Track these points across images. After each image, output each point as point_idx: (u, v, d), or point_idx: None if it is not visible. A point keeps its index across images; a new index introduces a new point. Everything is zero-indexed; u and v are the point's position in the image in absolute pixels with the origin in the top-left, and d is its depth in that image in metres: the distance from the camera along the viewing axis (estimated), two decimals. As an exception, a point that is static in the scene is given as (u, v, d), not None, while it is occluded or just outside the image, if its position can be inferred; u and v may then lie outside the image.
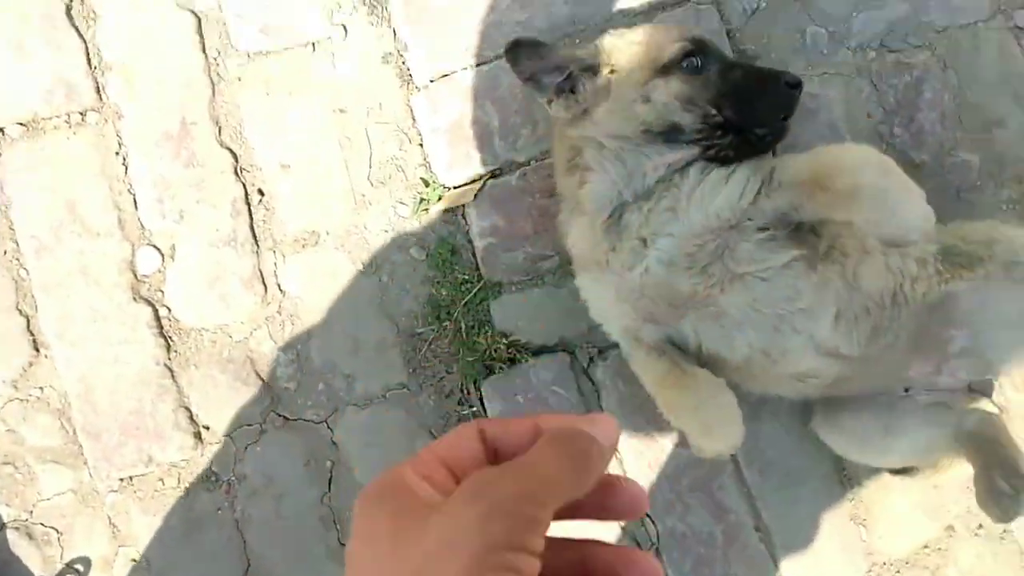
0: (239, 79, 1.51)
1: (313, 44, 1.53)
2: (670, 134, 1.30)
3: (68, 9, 1.49)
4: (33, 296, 1.48)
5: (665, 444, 1.51)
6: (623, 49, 1.37)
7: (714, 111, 1.30)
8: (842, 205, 1.30)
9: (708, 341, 1.30)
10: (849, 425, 1.51)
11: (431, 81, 1.54)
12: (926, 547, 1.66)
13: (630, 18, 1.61)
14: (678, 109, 1.30)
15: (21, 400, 1.47)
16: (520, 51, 1.31)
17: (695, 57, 1.31)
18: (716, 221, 1.25)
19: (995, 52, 1.71)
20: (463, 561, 0.38)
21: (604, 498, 0.48)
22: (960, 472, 1.60)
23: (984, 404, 1.55)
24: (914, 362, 1.41)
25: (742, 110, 1.30)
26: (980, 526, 1.69)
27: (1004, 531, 1.68)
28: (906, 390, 1.46)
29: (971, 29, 1.69)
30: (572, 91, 1.32)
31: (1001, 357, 1.44)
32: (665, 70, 1.30)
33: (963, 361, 1.42)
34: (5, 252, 1.47)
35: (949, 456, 1.56)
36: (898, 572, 1.67)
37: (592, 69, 1.35)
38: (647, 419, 1.47)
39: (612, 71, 1.35)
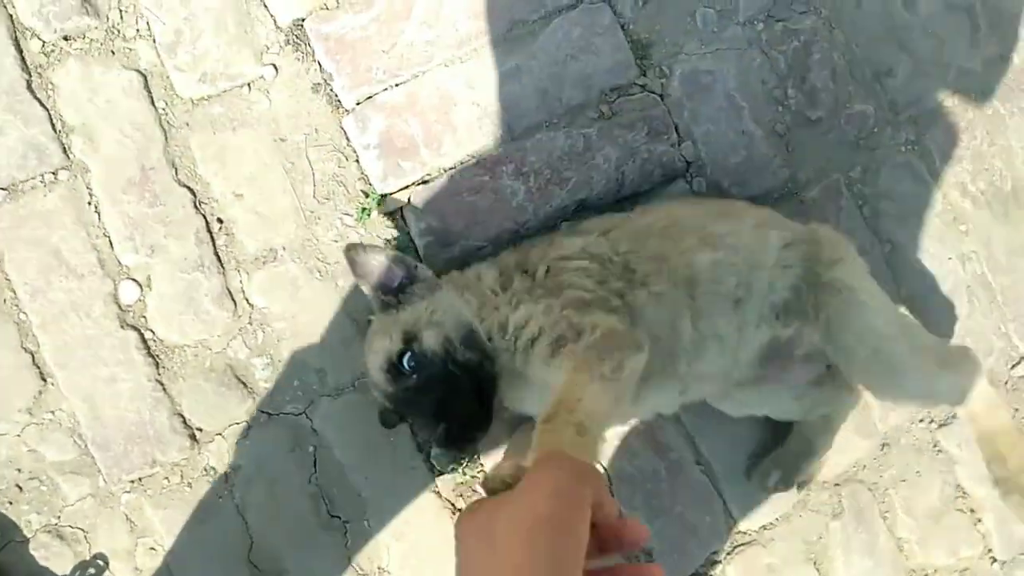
0: (187, 124, 1.57)
1: (248, 84, 1.58)
2: None
3: (28, 84, 1.53)
4: (34, 334, 1.53)
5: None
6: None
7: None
8: None
9: None
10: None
11: (357, 104, 1.60)
12: (854, 465, 1.75)
13: (530, 24, 1.63)
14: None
15: (37, 424, 1.54)
16: None
17: (406, 360, 1.33)
18: None
19: (878, 7, 1.77)
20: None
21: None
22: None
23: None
24: (766, 367, 1.50)
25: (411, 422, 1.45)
26: (914, 440, 1.77)
27: (935, 444, 1.78)
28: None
29: (853, -11, 1.71)
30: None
31: (840, 360, 1.47)
32: (390, 367, 1.37)
33: (807, 365, 1.52)
34: (5, 300, 1.53)
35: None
36: (836, 486, 1.73)
37: None
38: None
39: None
